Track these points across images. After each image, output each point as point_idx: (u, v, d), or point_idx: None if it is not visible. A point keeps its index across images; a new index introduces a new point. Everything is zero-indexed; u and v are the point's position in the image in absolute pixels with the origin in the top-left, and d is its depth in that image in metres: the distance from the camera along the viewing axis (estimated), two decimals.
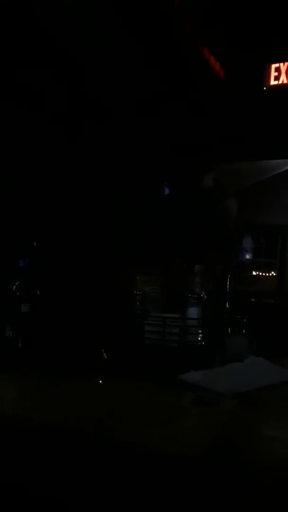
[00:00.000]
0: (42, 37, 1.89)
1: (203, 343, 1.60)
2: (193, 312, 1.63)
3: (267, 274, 7.29)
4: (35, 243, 1.53)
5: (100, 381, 1.29)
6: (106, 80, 2.16)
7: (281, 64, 4.81)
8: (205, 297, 1.69)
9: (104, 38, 2.20)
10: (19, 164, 1.86)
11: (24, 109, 1.85)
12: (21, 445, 0.93)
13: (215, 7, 3.32)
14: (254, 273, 7.34)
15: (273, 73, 4.84)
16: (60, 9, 1.98)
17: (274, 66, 4.82)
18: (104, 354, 1.42)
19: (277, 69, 4.83)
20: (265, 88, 4.81)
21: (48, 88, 1.92)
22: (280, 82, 4.82)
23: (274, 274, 7.23)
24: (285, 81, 4.80)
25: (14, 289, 1.47)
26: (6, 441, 0.94)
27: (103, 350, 1.42)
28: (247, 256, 7.48)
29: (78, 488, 0.85)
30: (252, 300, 6.25)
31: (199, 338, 1.61)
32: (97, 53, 2.16)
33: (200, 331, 1.61)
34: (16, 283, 1.48)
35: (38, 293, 1.49)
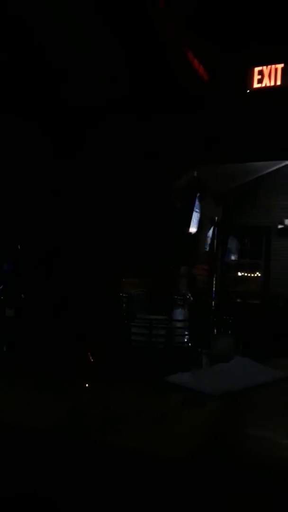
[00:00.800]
0: (25, 42, 1.88)
1: (190, 344, 1.60)
2: (179, 313, 1.63)
3: (252, 275, 7.36)
4: (19, 246, 1.51)
5: (87, 384, 1.28)
6: (90, 81, 2.16)
7: (264, 67, 4.88)
8: (191, 298, 1.69)
9: (88, 40, 2.19)
10: (4, 168, 1.84)
11: (11, 112, 1.83)
12: (7, 449, 0.91)
13: (199, 11, 3.35)
14: (239, 274, 7.40)
15: (256, 76, 4.90)
16: (42, 10, 1.96)
17: (257, 69, 4.89)
18: (91, 357, 1.41)
19: (260, 72, 4.89)
20: (248, 91, 4.86)
21: (38, 95, 1.91)
22: (263, 85, 4.88)
23: (259, 274, 7.30)
24: (268, 84, 4.87)
25: None
26: None
27: (89, 352, 1.41)
28: (232, 257, 7.54)
29: (66, 490, 0.84)
30: (238, 300, 6.30)
31: (186, 340, 1.61)
32: (81, 55, 2.15)
33: (186, 333, 1.61)
34: (0, 287, 1.46)
35: (23, 297, 1.47)
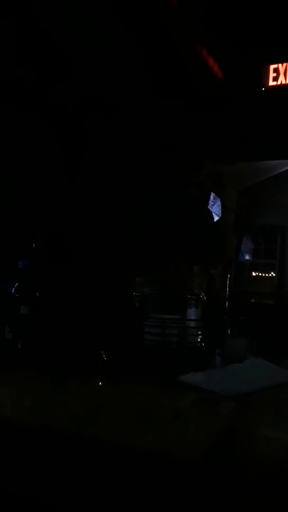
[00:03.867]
0: (41, 38, 1.89)
1: (203, 344, 1.60)
2: (192, 313, 1.63)
3: (267, 275, 7.29)
4: (34, 244, 1.53)
5: (100, 383, 1.29)
6: (104, 80, 2.16)
7: (280, 65, 4.82)
8: (205, 298, 1.68)
9: (102, 39, 2.20)
10: (18, 165, 1.86)
11: (24, 109, 1.85)
12: (21, 448, 0.92)
13: (213, 8, 3.33)
14: (253, 273, 7.34)
15: (272, 74, 4.84)
16: (58, 10, 1.97)
17: (272, 67, 4.83)
18: (104, 356, 1.41)
19: (276, 70, 4.84)
20: (263, 88, 4.81)
21: (48, 88, 1.92)
22: (279, 82, 4.82)
23: (274, 274, 7.22)
24: (283, 82, 4.81)
25: (13, 291, 1.47)
26: (6, 444, 0.93)
27: (102, 351, 1.42)
28: (247, 257, 7.48)
29: (79, 490, 0.85)
30: (252, 301, 6.25)
31: (199, 339, 1.60)
32: (95, 53, 2.16)
33: (199, 332, 1.61)
34: (15, 285, 1.47)
35: (37, 294, 1.48)
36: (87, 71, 2.07)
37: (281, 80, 4.80)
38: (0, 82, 1.77)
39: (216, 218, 4.55)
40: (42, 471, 0.89)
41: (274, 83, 4.81)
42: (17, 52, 1.83)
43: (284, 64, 4.79)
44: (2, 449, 0.93)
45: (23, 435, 0.93)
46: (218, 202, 4.47)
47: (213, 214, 4.61)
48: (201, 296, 1.69)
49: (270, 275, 7.21)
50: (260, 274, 7.30)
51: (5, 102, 1.77)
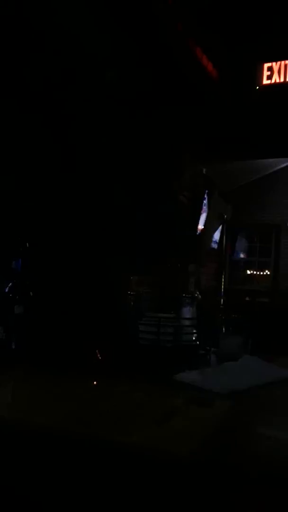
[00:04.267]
0: (36, 35, 1.88)
1: (198, 342, 1.60)
2: (187, 311, 1.63)
3: (261, 273, 7.32)
4: (27, 244, 1.52)
5: (95, 382, 1.28)
6: (99, 79, 2.16)
7: (274, 63, 4.83)
8: (199, 296, 1.69)
9: (97, 37, 2.19)
10: (12, 164, 1.85)
11: (20, 109, 1.84)
12: (16, 447, 0.92)
13: (207, 7, 3.33)
14: (248, 272, 7.37)
15: (266, 72, 4.85)
16: (53, 9, 1.97)
17: (266, 65, 4.84)
18: (98, 355, 1.41)
19: (270, 68, 4.85)
20: (257, 87, 4.82)
21: (44, 87, 1.91)
22: (273, 81, 4.84)
23: (268, 273, 7.25)
24: (277, 80, 4.82)
25: (7, 291, 1.46)
26: (1, 443, 0.93)
27: (97, 350, 1.42)
28: (241, 255, 7.51)
29: (75, 488, 0.85)
30: (247, 299, 6.27)
31: (194, 338, 1.61)
32: (90, 50, 2.15)
33: (194, 331, 1.61)
34: (9, 285, 1.47)
35: (31, 294, 1.48)
36: (83, 67, 2.07)
37: (275, 78, 4.82)
38: None
39: (203, 214, 4.54)
40: (37, 470, 0.88)
41: (268, 81, 4.82)
42: (14, 49, 1.82)
43: (278, 63, 4.80)
44: None
45: (18, 434, 0.93)
46: (206, 196, 4.48)
47: (204, 213, 4.62)
48: (196, 295, 1.69)
49: (264, 273, 7.25)
50: (254, 272, 7.33)
51: (1, 100, 1.76)
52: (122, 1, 2.26)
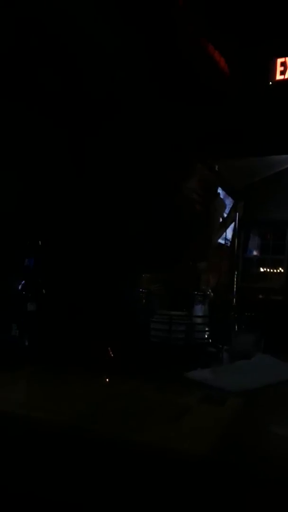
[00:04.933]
0: (44, 34, 1.88)
1: (210, 340, 1.59)
2: (199, 309, 1.62)
3: (275, 271, 7.24)
4: (40, 242, 1.53)
5: (107, 380, 1.29)
6: (110, 77, 2.15)
7: (287, 58, 4.76)
8: (212, 294, 1.68)
9: (107, 36, 2.19)
10: (24, 163, 1.86)
11: (28, 108, 1.85)
12: (28, 444, 0.93)
13: (219, 2, 3.30)
14: (261, 269, 7.30)
15: (279, 68, 4.79)
16: (63, 7, 1.97)
17: (279, 60, 4.78)
18: (111, 352, 1.42)
19: (283, 64, 4.78)
20: (270, 83, 4.76)
21: (52, 88, 1.92)
22: (286, 76, 4.77)
23: (282, 270, 7.18)
24: None
25: (20, 288, 1.47)
26: (13, 439, 0.94)
27: (109, 348, 1.42)
28: (254, 253, 7.44)
29: (85, 486, 0.85)
30: (260, 297, 6.22)
31: (206, 336, 1.60)
32: (100, 50, 2.15)
33: (206, 329, 1.60)
34: (22, 282, 1.48)
35: (44, 292, 1.49)
36: (93, 67, 2.07)
37: None
38: (4, 80, 1.77)
39: (224, 216, 4.52)
40: (48, 467, 0.89)
41: (282, 77, 4.76)
42: (21, 50, 1.83)
43: None
44: (9, 445, 0.93)
45: (30, 431, 0.93)
46: (226, 201, 4.46)
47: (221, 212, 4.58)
48: (208, 293, 1.68)
49: (278, 271, 7.17)
50: (268, 270, 7.26)
51: (9, 101, 1.77)
52: (133, 1, 2.26)
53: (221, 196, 4.38)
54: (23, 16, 1.79)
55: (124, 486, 0.83)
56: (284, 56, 4.77)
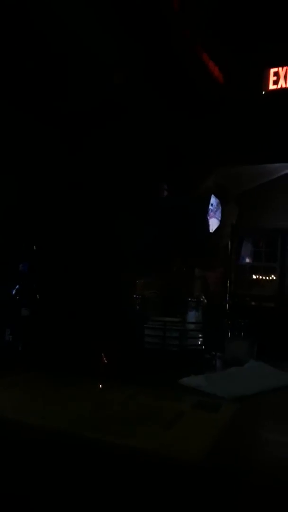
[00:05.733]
0: (42, 40, 1.90)
1: (203, 347, 1.60)
2: (193, 316, 1.63)
3: (267, 278, 7.29)
4: (35, 247, 1.53)
5: (101, 385, 1.29)
6: (107, 84, 2.17)
7: (280, 68, 4.84)
8: (205, 300, 1.69)
9: (104, 42, 2.21)
10: (19, 168, 1.86)
11: (24, 113, 1.86)
12: (21, 449, 0.92)
13: (214, 12, 3.34)
14: (254, 276, 7.34)
15: (272, 78, 4.86)
16: (59, 12, 1.98)
17: (272, 70, 4.85)
18: (104, 358, 1.41)
19: (276, 74, 4.85)
20: (264, 92, 4.83)
21: (48, 92, 1.93)
22: (279, 86, 4.84)
23: (274, 278, 7.22)
24: (283, 86, 4.82)
25: (14, 293, 1.47)
26: (7, 445, 0.93)
27: (103, 354, 1.42)
28: (247, 260, 7.48)
29: (78, 492, 0.85)
30: (253, 303, 6.25)
31: (199, 342, 1.60)
32: (97, 56, 2.17)
33: (200, 335, 1.61)
34: (16, 287, 1.48)
35: (38, 297, 1.48)
36: (90, 74, 2.08)
37: (281, 84, 4.82)
38: (1, 84, 1.78)
39: (217, 223, 4.54)
40: (43, 472, 0.89)
41: (274, 86, 4.83)
42: (19, 54, 1.84)
43: (285, 68, 4.81)
44: (3, 451, 0.93)
45: (24, 436, 0.93)
46: (220, 208, 4.48)
47: (214, 219, 4.61)
48: (201, 299, 1.69)
49: (270, 278, 7.21)
50: (260, 277, 7.30)
51: (5, 105, 1.78)
52: (130, 7, 2.28)
53: (215, 204, 4.41)
54: (22, 21, 1.80)
55: (117, 492, 0.83)
56: (277, 66, 4.84)
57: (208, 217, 4.34)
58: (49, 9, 1.91)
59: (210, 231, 4.18)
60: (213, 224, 4.61)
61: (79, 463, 0.87)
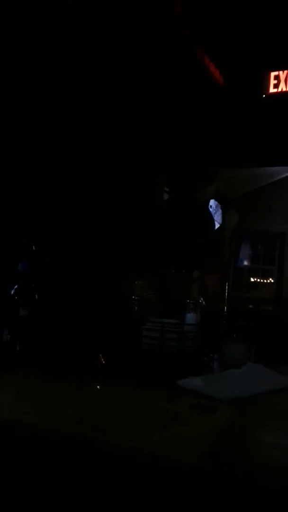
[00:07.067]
0: (43, 40, 1.90)
1: (201, 349, 1.60)
2: (191, 318, 1.63)
3: (265, 281, 7.30)
4: (33, 247, 1.53)
5: (98, 386, 1.28)
6: (107, 85, 2.18)
7: (281, 72, 4.86)
8: (203, 303, 1.69)
9: (105, 43, 2.22)
10: (18, 168, 1.86)
11: (25, 112, 1.86)
12: (18, 450, 0.92)
13: (215, 15, 3.36)
14: (252, 279, 7.35)
15: (273, 81, 4.88)
16: (60, 13, 1.99)
17: (273, 74, 4.87)
18: (102, 359, 1.41)
19: (277, 77, 4.87)
20: (264, 95, 4.85)
21: (50, 93, 1.93)
22: (279, 90, 4.86)
23: (272, 280, 7.24)
24: (284, 89, 4.84)
25: (12, 293, 1.47)
26: (4, 445, 0.93)
27: (101, 355, 1.42)
28: (245, 263, 7.49)
29: (75, 494, 0.85)
30: (250, 306, 6.26)
31: (197, 344, 1.60)
32: (97, 57, 2.17)
33: (198, 337, 1.61)
34: (15, 287, 1.48)
35: (37, 297, 1.48)
36: (90, 73, 2.09)
37: (282, 87, 4.84)
38: (1, 83, 1.78)
39: (216, 226, 4.53)
40: (40, 473, 0.89)
41: (275, 90, 4.85)
42: (19, 53, 1.85)
43: (285, 72, 4.83)
44: (0, 451, 0.93)
45: (21, 436, 0.93)
46: (219, 210, 4.47)
47: (214, 221, 4.60)
48: (199, 301, 1.69)
49: (268, 281, 7.23)
50: (258, 280, 7.31)
51: (5, 104, 1.78)
52: (131, 8, 2.29)
53: (214, 206, 4.41)
54: (23, 22, 1.80)
55: (114, 493, 0.83)
56: (278, 69, 4.86)
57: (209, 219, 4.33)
58: (49, 9, 1.92)
59: (212, 232, 4.17)
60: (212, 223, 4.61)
61: (76, 463, 0.87)
